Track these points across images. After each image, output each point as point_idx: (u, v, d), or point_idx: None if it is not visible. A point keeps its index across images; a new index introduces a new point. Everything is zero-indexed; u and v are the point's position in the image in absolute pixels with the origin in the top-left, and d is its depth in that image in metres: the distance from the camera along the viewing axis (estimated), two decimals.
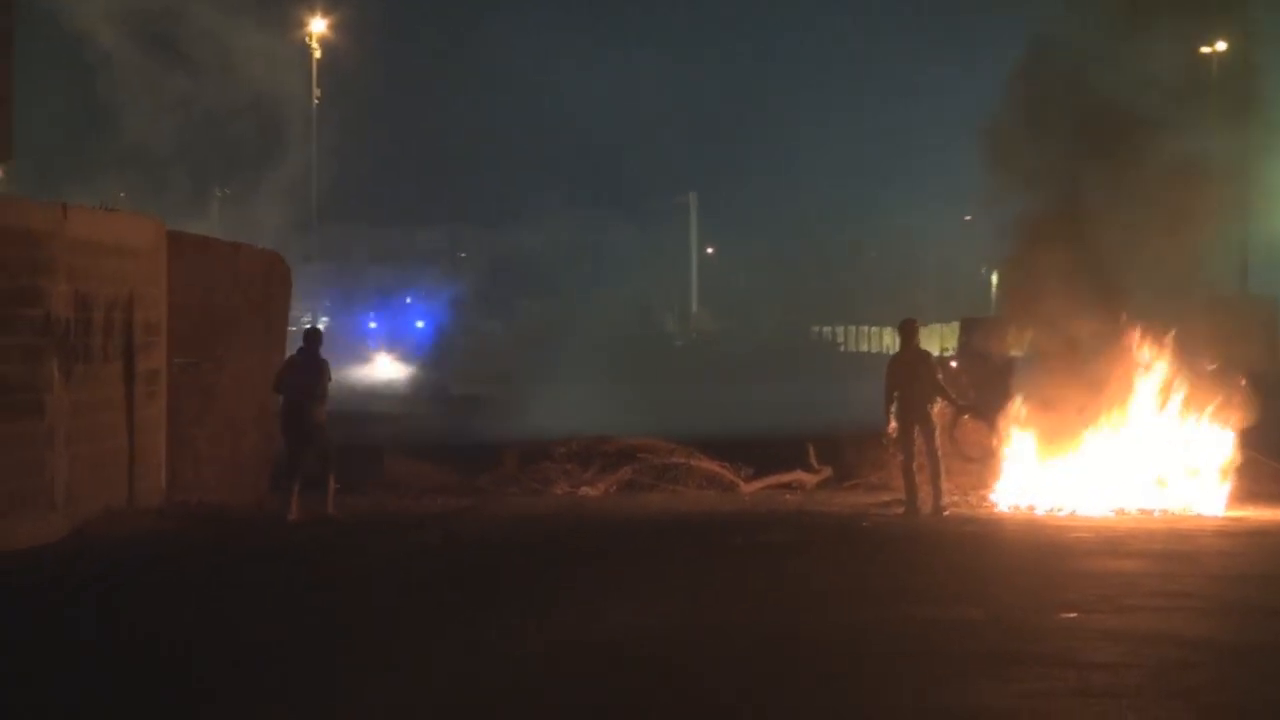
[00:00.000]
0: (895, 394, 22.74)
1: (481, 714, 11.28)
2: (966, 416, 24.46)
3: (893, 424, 22.81)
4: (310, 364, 22.05)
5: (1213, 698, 11.48)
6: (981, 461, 24.38)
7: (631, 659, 12.74)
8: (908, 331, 23.43)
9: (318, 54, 66.59)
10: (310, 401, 21.83)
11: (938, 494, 22.52)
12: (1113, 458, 23.32)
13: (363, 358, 53.45)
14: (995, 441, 24.31)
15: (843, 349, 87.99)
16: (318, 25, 66.64)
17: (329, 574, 17.63)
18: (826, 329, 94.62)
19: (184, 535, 20.20)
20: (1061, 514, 22.50)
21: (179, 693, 11.78)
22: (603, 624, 14.23)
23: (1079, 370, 23.69)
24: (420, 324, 57.62)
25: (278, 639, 13.75)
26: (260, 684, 12.05)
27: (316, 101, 67.10)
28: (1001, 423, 24.05)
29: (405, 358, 54.25)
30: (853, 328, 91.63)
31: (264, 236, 40.94)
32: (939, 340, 55.58)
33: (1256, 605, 15.51)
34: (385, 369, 51.82)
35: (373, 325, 59.43)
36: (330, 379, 22.23)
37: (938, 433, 22.82)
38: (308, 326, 23.26)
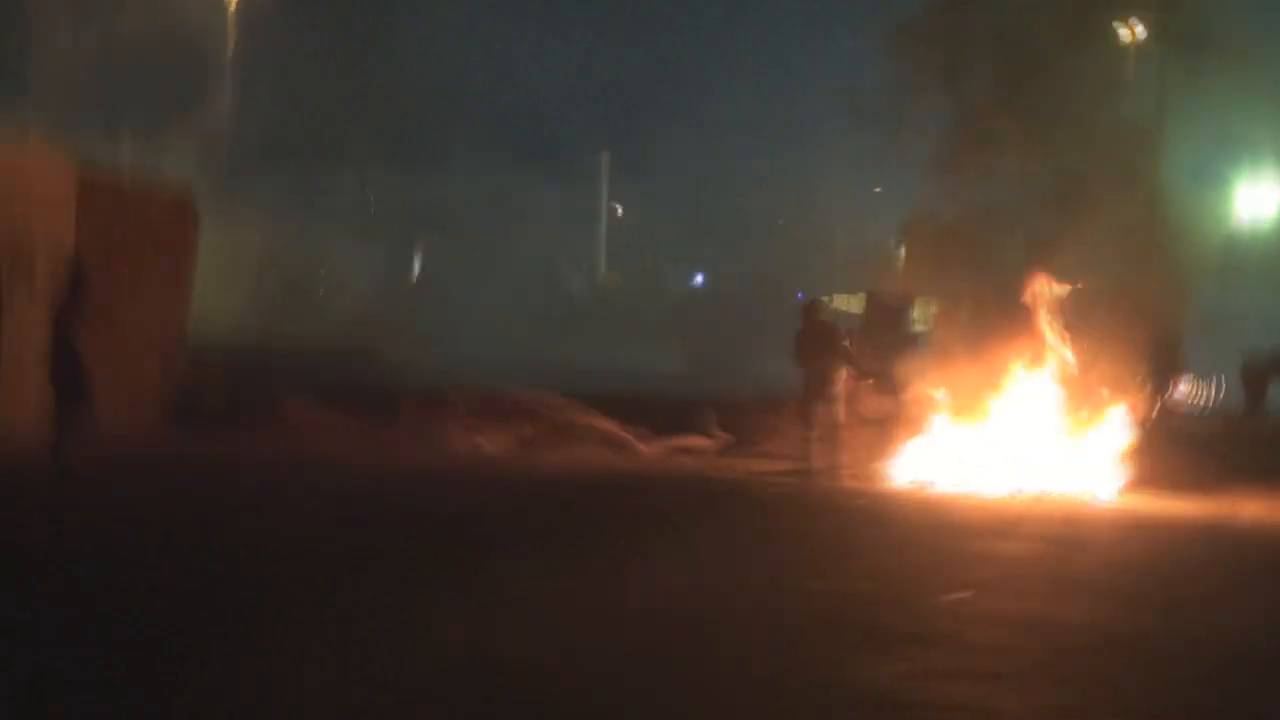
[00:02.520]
0: (800, 368, 22.81)
1: None
2: (871, 381, 24.61)
3: (798, 396, 22.88)
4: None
5: (1098, 684, 11.43)
6: (880, 424, 24.42)
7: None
8: (809, 311, 23.56)
9: None
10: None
11: (835, 466, 22.57)
12: (1011, 437, 23.43)
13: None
14: (894, 411, 24.42)
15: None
16: None
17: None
18: None
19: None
20: (957, 492, 22.59)
21: None
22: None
23: (982, 345, 23.80)
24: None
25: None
26: None
27: (232, 47, 66.37)
28: (901, 394, 24.18)
29: None
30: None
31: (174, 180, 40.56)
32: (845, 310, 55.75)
33: (1147, 593, 15.49)
34: None
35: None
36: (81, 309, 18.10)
37: (840, 404, 22.89)
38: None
